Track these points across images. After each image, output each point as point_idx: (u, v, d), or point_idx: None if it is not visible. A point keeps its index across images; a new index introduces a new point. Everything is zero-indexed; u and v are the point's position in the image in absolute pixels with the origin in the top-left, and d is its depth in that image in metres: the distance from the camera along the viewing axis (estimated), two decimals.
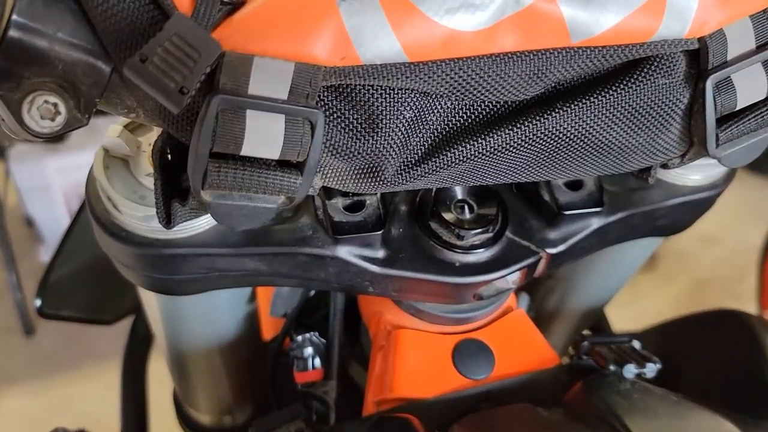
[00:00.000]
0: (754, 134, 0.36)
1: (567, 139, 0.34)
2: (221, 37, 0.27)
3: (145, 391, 0.71)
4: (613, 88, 0.33)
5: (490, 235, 0.42)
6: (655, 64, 0.33)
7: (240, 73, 0.27)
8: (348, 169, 0.33)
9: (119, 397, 0.69)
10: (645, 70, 0.33)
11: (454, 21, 0.29)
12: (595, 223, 0.44)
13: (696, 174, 0.46)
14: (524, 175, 0.36)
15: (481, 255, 0.42)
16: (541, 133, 0.33)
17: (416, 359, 0.45)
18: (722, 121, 0.35)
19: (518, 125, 0.33)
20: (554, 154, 0.35)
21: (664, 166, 0.38)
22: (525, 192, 0.45)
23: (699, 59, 0.33)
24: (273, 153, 0.29)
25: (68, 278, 0.63)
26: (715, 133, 0.34)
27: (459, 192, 0.43)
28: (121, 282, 0.52)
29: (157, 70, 0.26)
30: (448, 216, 0.42)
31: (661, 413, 0.40)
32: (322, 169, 0.33)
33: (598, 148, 0.35)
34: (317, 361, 0.50)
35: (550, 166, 0.35)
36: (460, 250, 0.42)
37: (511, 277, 0.43)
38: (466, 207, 0.43)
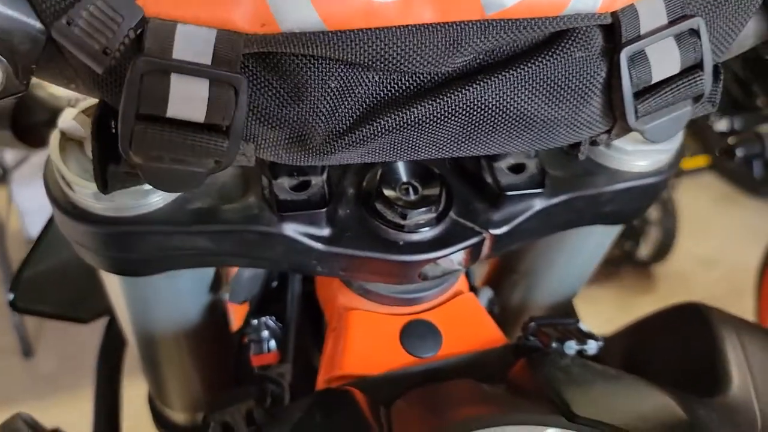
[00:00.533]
0: (673, 108, 0.37)
1: (489, 111, 0.35)
2: (145, 3, 0.29)
3: (118, 392, 0.72)
4: (532, 61, 0.35)
5: (433, 215, 0.44)
6: (572, 38, 0.35)
7: (164, 39, 0.29)
8: (278, 137, 0.35)
9: (93, 397, 0.70)
10: (562, 43, 0.35)
11: None
12: (538, 204, 0.45)
13: (640, 160, 0.47)
14: (454, 148, 0.38)
15: (424, 234, 0.44)
16: (464, 104, 0.35)
17: (365, 338, 0.46)
18: (641, 94, 0.36)
19: (441, 97, 0.35)
20: (479, 127, 0.36)
21: (594, 143, 0.40)
22: (469, 175, 0.46)
23: (614, 34, 0.35)
24: (198, 116, 0.31)
25: (44, 275, 0.65)
26: (633, 105, 0.36)
27: (403, 174, 0.45)
28: (98, 282, 0.54)
29: (83, 33, 0.28)
30: (393, 197, 0.44)
31: (598, 386, 0.41)
32: (254, 138, 0.34)
33: (520, 121, 0.36)
34: (272, 344, 0.51)
35: (477, 139, 0.37)
36: (404, 230, 0.43)
37: (456, 257, 0.44)
38: (410, 189, 0.45)
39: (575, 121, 0.37)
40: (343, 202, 0.44)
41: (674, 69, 0.36)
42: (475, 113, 0.35)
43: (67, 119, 0.41)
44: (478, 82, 0.35)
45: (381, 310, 0.48)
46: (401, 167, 0.45)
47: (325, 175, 0.43)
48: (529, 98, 0.36)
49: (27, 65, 0.30)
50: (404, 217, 0.43)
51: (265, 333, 0.51)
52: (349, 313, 0.47)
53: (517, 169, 0.46)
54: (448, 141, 0.37)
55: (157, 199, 0.41)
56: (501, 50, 0.35)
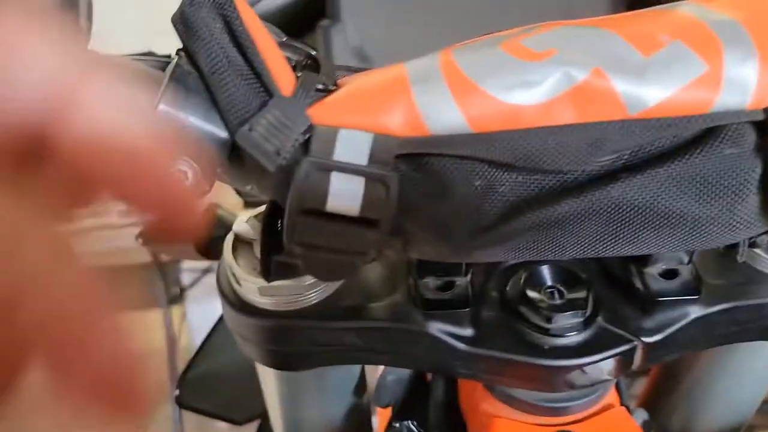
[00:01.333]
0: None
1: (635, 209, 0.35)
2: (314, 114, 0.34)
3: None
4: (679, 158, 0.35)
5: (580, 319, 0.43)
6: (721, 134, 0.34)
7: (327, 142, 0.33)
8: (424, 233, 0.37)
9: None
10: (711, 140, 0.34)
11: (512, 96, 0.33)
12: (694, 312, 0.43)
13: None
14: (599, 248, 0.37)
15: (571, 339, 0.43)
16: (608, 202, 0.35)
17: None
18: None
19: (584, 195, 0.35)
20: (625, 225, 0.36)
21: (753, 244, 0.38)
22: (617, 281, 0.45)
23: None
24: (353, 210, 0.34)
25: (207, 376, 0.70)
26: None
27: (548, 278, 0.45)
28: (254, 386, 0.57)
29: (260, 137, 0.33)
30: (537, 299, 0.44)
31: None
32: (402, 233, 0.37)
33: (668, 219, 0.36)
34: None
35: (623, 238, 0.37)
36: (549, 333, 0.43)
37: (605, 365, 0.43)
38: (555, 292, 0.44)
39: (730, 220, 0.36)
40: (486, 304, 0.45)
41: None
42: (620, 211, 0.36)
43: (241, 223, 0.46)
44: (622, 180, 0.35)
45: (525, 419, 0.46)
46: (546, 271, 0.45)
47: (468, 277, 0.44)
48: (677, 196, 0.35)
49: (213, 168, 0.35)
50: (549, 320, 0.43)
51: None
52: (491, 420, 0.46)
53: (669, 275, 0.44)
54: (593, 240, 0.37)
55: (312, 296, 0.44)
56: (646, 148, 0.35)
